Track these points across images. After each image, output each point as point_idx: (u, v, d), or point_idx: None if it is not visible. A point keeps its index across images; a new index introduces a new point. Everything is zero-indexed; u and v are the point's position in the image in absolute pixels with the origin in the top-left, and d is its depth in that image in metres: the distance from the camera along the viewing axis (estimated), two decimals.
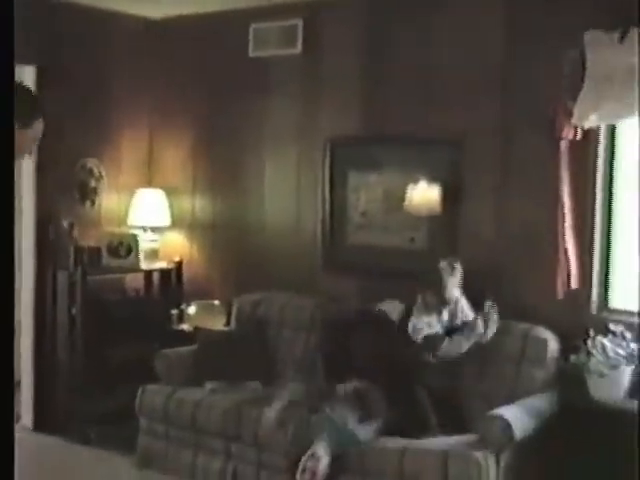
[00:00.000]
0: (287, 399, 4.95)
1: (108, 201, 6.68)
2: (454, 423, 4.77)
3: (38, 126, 3.74)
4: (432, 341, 4.95)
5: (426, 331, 4.99)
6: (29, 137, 3.64)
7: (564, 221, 4.95)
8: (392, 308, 5.25)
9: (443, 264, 5.07)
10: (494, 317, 4.95)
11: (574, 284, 4.97)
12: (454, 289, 5.06)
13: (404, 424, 4.71)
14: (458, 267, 5.08)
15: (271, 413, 4.90)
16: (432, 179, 5.47)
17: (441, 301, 5.05)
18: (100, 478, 5.24)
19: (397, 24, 5.69)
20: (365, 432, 4.69)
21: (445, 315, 5.07)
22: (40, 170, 6.07)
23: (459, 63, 5.43)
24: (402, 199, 5.57)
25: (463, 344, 4.95)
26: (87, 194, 6.50)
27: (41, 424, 6.15)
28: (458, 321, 5.05)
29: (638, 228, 4.79)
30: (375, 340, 5.10)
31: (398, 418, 4.75)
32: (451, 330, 5.03)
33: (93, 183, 6.54)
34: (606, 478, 4.16)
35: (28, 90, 3.86)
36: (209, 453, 5.22)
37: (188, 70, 6.69)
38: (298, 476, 4.55)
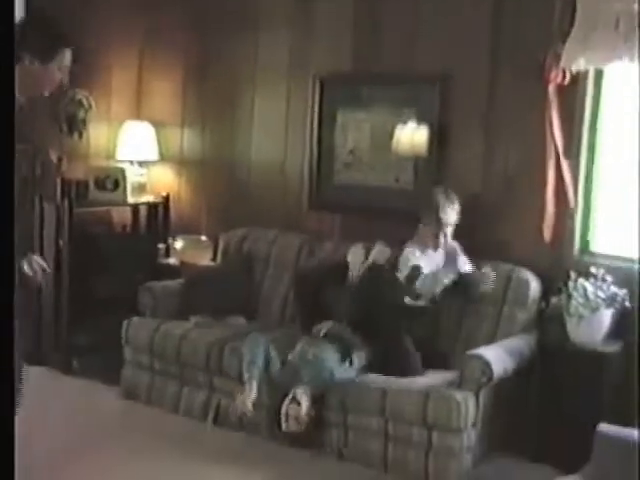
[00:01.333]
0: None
1: (96, 134, 6.65)
2: (437, 362, 4.83)
3: (61, 58, 3.68)
4: (412, 275, 4.92)
5: (413, 262, 4.96)
6: (50, 71, 3.59)
7: (550, 164, 4.97)
8: (380, 253, 5.24)
9: (438, 189, 5.07)
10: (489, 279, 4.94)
11: (553, 228, 5.01)
12: (451, 212, 5.01)
13: (388, 364, 4.75)
14: (454, 196, 5.05)
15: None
16: (420, 119, 5.47)
17: (436, 231, 5.02)
18: (85, 408, 5.29)
19: None
20: (345, 371, 4.75)
21: (439, 256, 5.07)
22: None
23: (450, 3, 5.40)
24: (390, 138, 5.58)
25: (440, 279, 4.95)
26: (76, 126, 6.47)
27: (26, 354, 6.16)
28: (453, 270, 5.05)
29: (638, 177, 4.79)
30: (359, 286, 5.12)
31: (382, 359, 4.80)
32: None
33: (82, 115, 6.51)
34: (583, 419, 4.21)
35: (46, 20, 3.77)
36: (193, 386, 5.28)
37: (178, 3, 6.61)
38: (283, 424, 4.63)
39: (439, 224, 5.00)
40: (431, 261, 5.05)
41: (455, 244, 5.13)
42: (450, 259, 5.11)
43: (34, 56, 3.52)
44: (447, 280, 4.95)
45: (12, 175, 2.74)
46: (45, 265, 3.75)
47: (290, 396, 4.62)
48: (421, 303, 4.98)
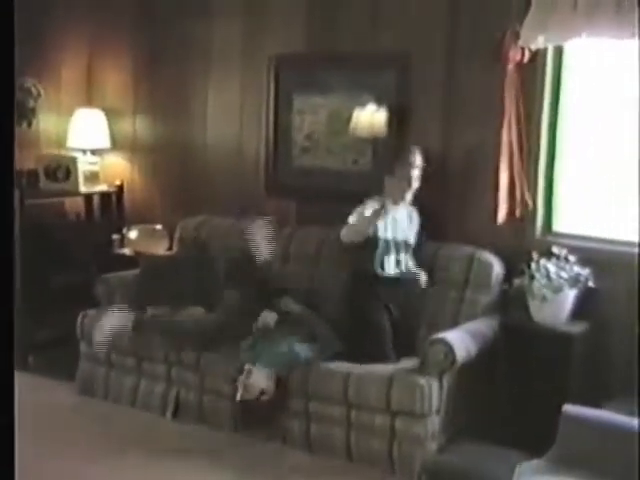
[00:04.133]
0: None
1: (46, 122, 6.51)
2: (406, 349, 4.75)
3: None
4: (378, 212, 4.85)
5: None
6: None
7: (509, 145, 4.91)
8: None
9: (415, 147, 5.08)
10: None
11: (514, 209, 4.96)
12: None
13: (360, 351, 4.69)
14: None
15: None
16: (378, 101, 5.39)
17: (406, 186, 4.98)
18: (40, 404, 5.17)
19: None
20: (305, 352, 4.70)
21: (402, 210, 5.02)
22: None
23: None
24: (347, 122, 5.50)
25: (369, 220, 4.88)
26: (25, 115, 6.30)
27: None
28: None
29: (638, 160, 4.73)
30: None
31: (355, 345, 4.74)
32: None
33: (31, 103, 6.34)
34: (548, 401, 4.18)
35: None
36: (151, 378, 5.18)
37: None
38: (237, 394, 4.62)
39: (409, 179, 4.96)
40: (391, 216, 4.96)
41: (412, 208, 5.10)
42: (410, 218, 5.07)
43: None
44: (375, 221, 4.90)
45: (12, 175, 2.60)
46: None
47: (245, 370, 4.62)
48: (390, 274, 4.92)
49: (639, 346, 4.36)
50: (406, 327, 4.88)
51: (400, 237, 4.99)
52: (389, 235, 4.94)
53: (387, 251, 4.93)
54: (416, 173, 4.98)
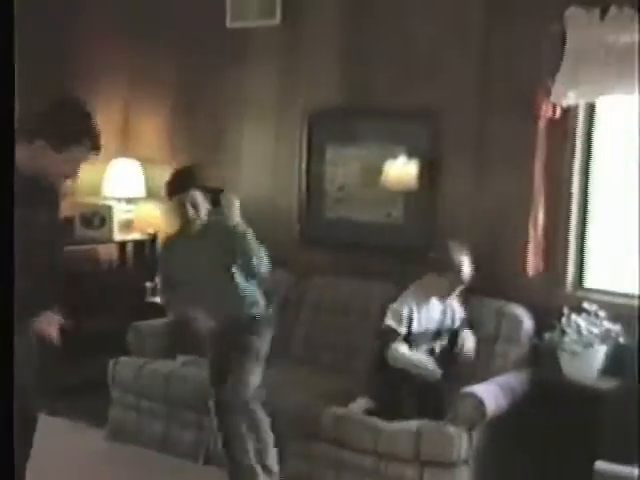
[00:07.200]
0: None
1: (83, 171, 6.58)
2: (432, 408, 4.63)
3: (75, 153, 3.40)
4: (387, 336, 4.72)
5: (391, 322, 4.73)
6: (60, 160, 3.38)
7: (539, 200, 4.94)
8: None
9: (454, 244, 4.83)
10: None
11: (545, 263, 4.98)
12: (468, 268, 4.78)
13: (385, 413, 4.63)
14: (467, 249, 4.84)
15: None
16: (410, 154, 5.45)
17: (454, 286, 4.79)
18: (70, 449, 5.20)
19: None
20: None
21: (439, 306, 4.86)
22: None
23: (440, 36, 5.39)
24: (380, 173, 5.56)
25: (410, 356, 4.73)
26: None
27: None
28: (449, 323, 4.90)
29: (639, 212, 4.75)
30: None
31: (379, 407, 4.68)
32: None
33: None
34: (579, 457, 4.16)
35: (73, 108, 3.51)
36: (181, 425, 5.21)
37: (166, 39, 6.59)
38: None
39: (459, 280, 4.79)
40: (428, 311, 4.82)
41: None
42: (448, 309, 4.92)
43: (49, 141, 3.32)
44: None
45: (12, 175, 2.63)
46: (60, 318, 3.62)
47: None
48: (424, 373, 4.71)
49: None
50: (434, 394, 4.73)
51: (434, 328, 4.85)
52: (422, 330, 4.80)
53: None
54: (468, 272, 4.77)
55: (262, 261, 4.68)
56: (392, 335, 4.69)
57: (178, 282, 4.79)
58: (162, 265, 5.00)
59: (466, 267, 4.76)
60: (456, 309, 4.94)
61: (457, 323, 4.91)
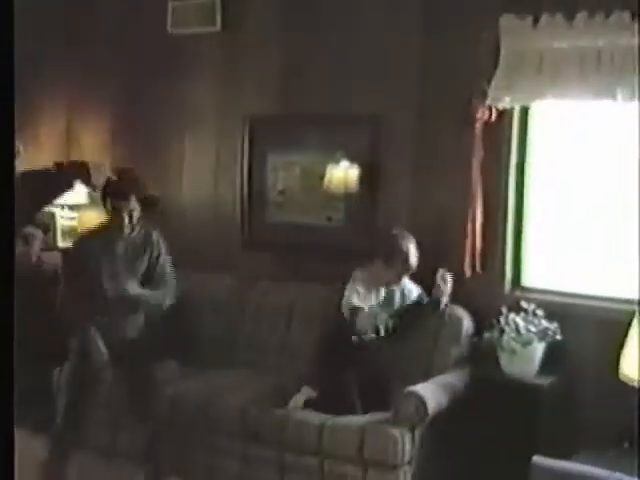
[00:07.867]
0: None
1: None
2: (377, 404, 4.74)
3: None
4: (352, 314, 4.81)
5: (354, 302, 4.82)
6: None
7: (476, 201, 5.04)
8: None
9: (398, 234, 4.94)
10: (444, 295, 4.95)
11: (482, 264, 5.09)
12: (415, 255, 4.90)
13: (327, 403, 4.71)
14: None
15: None
16: (350, 159, 5.51)
17: (402, 273, 4.90)
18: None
19: (317, 2, 5.72)
20: None
21: (397, 295, 5.02)
22: None
23: (378, 44, 5.47)
24: (321, 178, 5.61)
25: (379, 316, 4.93)
26: None
27: None
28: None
29: (638, 218, 4.81)
30: None
31: (322, 397, 4.77)
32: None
33: None
34: (518, 452, 4.22)
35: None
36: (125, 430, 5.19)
37: (106, 46, 6.58)
38: None
39: (406, 267, 4.89)
40: (378, 297, 4.97)
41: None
42: (398, 290, 5.05)
43: None
44: (386, 316, 4.95)
45: (12, 175, 2.64)
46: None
47: None
48: (365, 338, 4.87)
49: None
50: (377, 380, 4.89)
51: (388, 309, 5.01)
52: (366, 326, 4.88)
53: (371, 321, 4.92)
54: (414, 260, 4.89)
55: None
56: (357, 310, 4.77)
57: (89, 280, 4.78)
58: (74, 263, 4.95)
59: (412, 254, 4.86)
60: (412, 288, 5.05)
61: (413, 298, 5.04)
